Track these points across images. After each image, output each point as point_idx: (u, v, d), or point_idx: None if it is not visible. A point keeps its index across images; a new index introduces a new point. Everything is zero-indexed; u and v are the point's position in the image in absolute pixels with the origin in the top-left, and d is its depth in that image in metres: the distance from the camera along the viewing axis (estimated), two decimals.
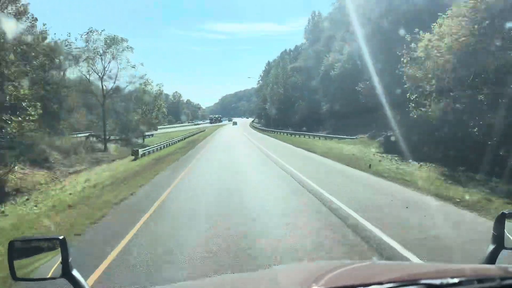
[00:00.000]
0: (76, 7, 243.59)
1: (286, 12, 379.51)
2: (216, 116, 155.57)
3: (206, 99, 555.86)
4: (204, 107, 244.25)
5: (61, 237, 1.82)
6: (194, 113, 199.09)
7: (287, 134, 55.95)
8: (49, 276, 1.82)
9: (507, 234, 1.84)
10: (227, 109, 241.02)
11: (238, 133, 65.47)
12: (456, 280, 1.25)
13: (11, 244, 1.84)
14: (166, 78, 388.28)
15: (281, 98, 74.45)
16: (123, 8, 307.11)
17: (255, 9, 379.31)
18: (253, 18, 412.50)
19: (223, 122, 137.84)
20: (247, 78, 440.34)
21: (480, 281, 1.29)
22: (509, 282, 1.27)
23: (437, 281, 1.25)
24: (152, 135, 62.47)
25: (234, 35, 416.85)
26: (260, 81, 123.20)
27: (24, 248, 1.91)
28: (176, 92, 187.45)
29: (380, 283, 1.25)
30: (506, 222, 1.85)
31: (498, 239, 1.84)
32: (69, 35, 56.85)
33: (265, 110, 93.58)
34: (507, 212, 1.87)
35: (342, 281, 1.45)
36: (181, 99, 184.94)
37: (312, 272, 1.68)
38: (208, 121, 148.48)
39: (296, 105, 65.09)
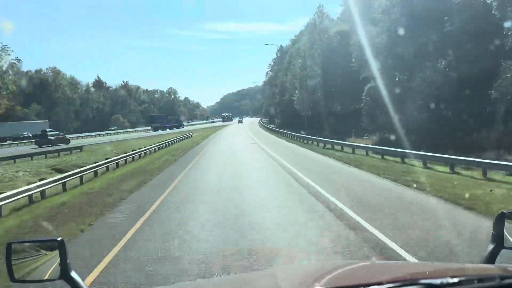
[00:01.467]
0: (76, 7, 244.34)
1: (286, 12, 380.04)
2: (228, 114, 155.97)
3: (207, 98, 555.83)
4: (205, 107, 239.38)
5: (59, 239, 1.83)
6: (191, 111, 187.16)
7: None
8: (47, 277, 1.84)
9: (506, 233, 1.85)
10: (229, 108, 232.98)
11: (254, 148, 32.99)
12: (456, 280, 1.26)
13: (9, 245, 1.86)
14: (167, 78, 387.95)
15: (320, 83, 46.03)
16: (123, 9, 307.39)
17: (255, 9, 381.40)
18: (253, 18, 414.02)
19: (228, 122, 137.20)
20: (248, 77, 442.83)
21: (480, 280, 1.30)
22: (509, 281, 1.28)
23: (437, 281, 1.26)
24: (79, 149, 37.90)
25: (234, 34, 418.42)
26: (270, 72, 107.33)
27: (22, 249, 1.92)
28: (171, 88, 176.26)
29: (380, 283, 1.25)
30: (505, 222, 1.86)
31: (498, 239, 1.85)
32: None
33: (281, 106, 68.83)
34: (506, 212, 1.88)
35: (342, 281, 1.48)
36: (176, 95, 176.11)
37: (312, 272, 1.71)
38: (221, 119, 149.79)
39: (367, 88, 33.50)
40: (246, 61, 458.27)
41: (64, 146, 43.50)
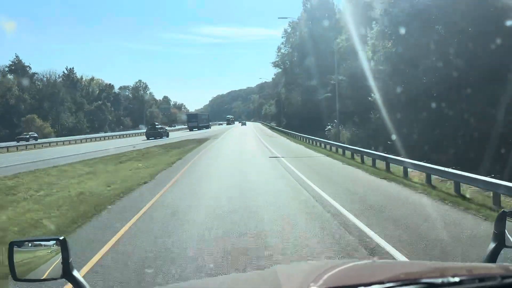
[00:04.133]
0: (67, 9, 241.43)
1: (276, 18, 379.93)
2: (231, 117, 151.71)
3: (196, 101, 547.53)
4: (193, 110, 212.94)
5: (61, 238, 1.86)
6: (171, 115, 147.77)
7: None
8: (49, 276, 1.86)
9: (507, 232, 1.87)
10: (219, 111, 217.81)
11: None
12: (457, 279, 1.27)
13: (11, 244, 1.89)
14: (156, 81, 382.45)
15: None
16: (115, 11, 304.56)
17: (247, 14, 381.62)
18: (245, 23, 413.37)
19: (218, 127, 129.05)
20: (240, 80, 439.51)
21: (481, 279, 1.31)
22: (510, 280, 1.30)
23: (438, 280, 1.27)
24: None
25: (226, 39, 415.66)
26: (283, 47, 73.93)
27: (24, 248, 1.94)
28: (139, 81, 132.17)
29: (381, 282, 1.27)
30: (506, 220, 1.88)
31: (499, 238, 1.87)
32: None
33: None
34: (507, 211, 1.90)
35: (343, 281, 1.49)
36: (147, 91, 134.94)
37: (312, 272, 1.72)
38: (226, 122, 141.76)
39: None
40: (237, 65, 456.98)
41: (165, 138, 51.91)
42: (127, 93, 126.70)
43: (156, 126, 59.23)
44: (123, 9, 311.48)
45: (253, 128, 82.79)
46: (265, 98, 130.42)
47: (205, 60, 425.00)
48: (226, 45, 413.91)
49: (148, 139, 52.79)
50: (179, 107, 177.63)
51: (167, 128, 70.62)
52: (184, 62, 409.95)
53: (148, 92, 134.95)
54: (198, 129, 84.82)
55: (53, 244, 1.87)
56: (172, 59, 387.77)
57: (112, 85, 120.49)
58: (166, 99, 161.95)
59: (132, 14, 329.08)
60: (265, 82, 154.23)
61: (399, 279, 1.31)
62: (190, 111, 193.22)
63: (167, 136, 56.56)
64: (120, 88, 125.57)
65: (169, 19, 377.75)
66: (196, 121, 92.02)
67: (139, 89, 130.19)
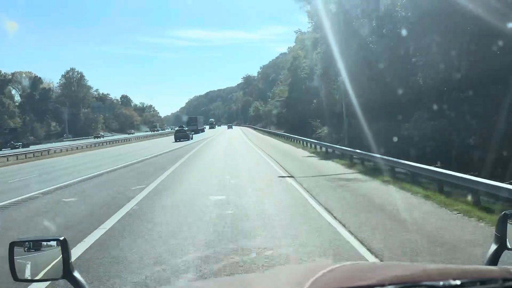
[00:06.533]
0: (45, 15, 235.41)
1: (256, 22, 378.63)
2: (213, 120, 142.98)
3: (173, 104, 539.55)
4: (169, 113, 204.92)
5: (61, 238, 1.87)
6: (125, 117, 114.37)
7: None
8: (50, 277, 1.89)
9: (509, 235, 1.90)
10: (196, 114, 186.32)
11: None
12: (458, 282, 1.28)
13: (11, 245, 1.89)
14: (134, 87, 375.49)
15: None
16: (88, 13, 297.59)
17: (226, 17, 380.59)
18: (222, 26, 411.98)
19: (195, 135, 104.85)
20: (218, 83, 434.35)
21: (482, 282, 1.33)
22: (511, 283, 1.33)
23: (439, 283, 1.28)
24: None
25: (203, 42, 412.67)
26: None
27: (25, 249, 1.95)
28: (72, 70, 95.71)
29: (382, 284, 1.27)
30: (508, 223, 1.92)
31: (501, 240, 1.89)
32: None
33: None
34: (509, 213, 1.93)
35: (343, 282, 1.49)
36: (83, 83, 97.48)
37: (313, 273, 1.73)
38: (209, 126, 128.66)
39: None
40: (216, 67, 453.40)
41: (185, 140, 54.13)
42: (67, 90, 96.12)
43: (184, 129, 64.05)
44: (96, 11, 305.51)
45: (254, 145, 38.07)
46: (252, 95, 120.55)
47: (180, 64, 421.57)
48: (203, 48, 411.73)
49: (176, 141, 55.12)
50: (143, 109, 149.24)
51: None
52: (159, 66, 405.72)
53: (86, 84, 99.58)
54: (195, 133, 79.01)
55: (54, 245, 1.88)
56: (146, 62, 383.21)
57: (39, 77, 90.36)
58: (125, 99, 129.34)
59: (103, 17, 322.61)
60: (250, 75, 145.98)
61: (399, 281, 1.32)
62: (159, 114, 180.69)
63: (192, 138, 59.24)
64: (61, 84, 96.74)
65: (143, 22, 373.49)
66: (195, 124, 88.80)
67: (71, 81, 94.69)
